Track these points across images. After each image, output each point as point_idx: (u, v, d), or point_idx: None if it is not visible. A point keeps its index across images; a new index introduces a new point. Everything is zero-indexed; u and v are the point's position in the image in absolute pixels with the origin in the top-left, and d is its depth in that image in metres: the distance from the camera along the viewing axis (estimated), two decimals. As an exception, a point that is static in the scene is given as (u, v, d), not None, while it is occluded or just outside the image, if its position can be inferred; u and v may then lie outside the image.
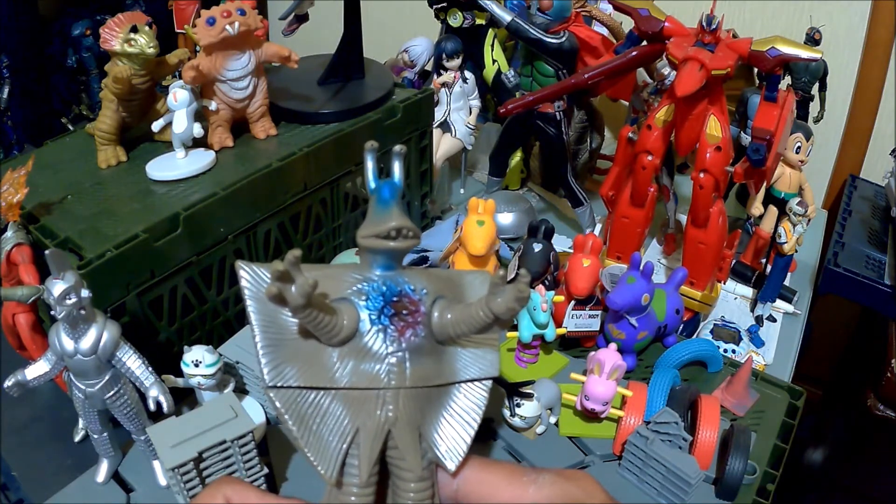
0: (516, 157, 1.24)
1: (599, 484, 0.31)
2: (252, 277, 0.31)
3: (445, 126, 1.16)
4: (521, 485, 0.30)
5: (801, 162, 1.03)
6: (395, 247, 0.31)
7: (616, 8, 0.93)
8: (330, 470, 0.29)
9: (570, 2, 1.07)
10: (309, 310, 0.28)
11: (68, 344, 0.59)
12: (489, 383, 0.34)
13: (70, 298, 0.56)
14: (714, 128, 0.85)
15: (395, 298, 0.31)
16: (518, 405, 0.70)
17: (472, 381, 0.33)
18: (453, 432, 0.31)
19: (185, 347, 0.69)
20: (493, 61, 1.18)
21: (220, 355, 0.70)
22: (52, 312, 0.57)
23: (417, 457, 0.30)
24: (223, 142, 0.85)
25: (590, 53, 1.09)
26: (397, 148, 0.34)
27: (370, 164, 0.33)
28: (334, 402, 0.30)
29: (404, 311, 0.31)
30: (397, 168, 0.34)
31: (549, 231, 0.84)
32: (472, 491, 0.31)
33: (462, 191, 1.27)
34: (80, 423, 0.74)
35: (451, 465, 0.31)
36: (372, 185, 0.33)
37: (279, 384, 0.30)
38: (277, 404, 0.29)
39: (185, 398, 0.75)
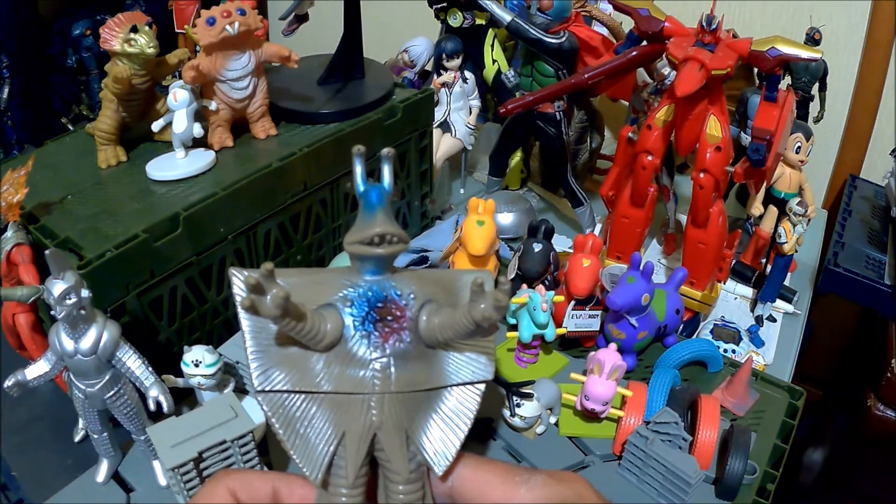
0: (516, 157, 1.24)
1: (592, 486, 0.31)
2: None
3: (445, 126, 1.16)
4: (513, 484, 0.30)
5: (801, 162, 1.03)
6: (378, 253, 0.31)
7: (616, 8, 0.93)
8: (315, 472, 0.29)
9: (570, 2, 1.07)
10: (287, 319, 0.28)
11: (68, 344, 0.59)
12: (482, 387, 0.33)
13: (70, 298, 0.56)
14: (714, 128, 0.85)
15: (379, 304, 0.31)
16: (518, 405, 0.70)
17: (463, 384, 0.33)
18: (442, 435, 0.31)
19: (185, 347, 0.69)
20: (493, 61, 1.18)
21: (220, 355, 0.70)
22: (52, 312, 0.57)
23: (404, 460, 0.30)
24: (223, 142, 0.85)
25: (590, 53, 1.09)
26: (385, 151, 0.33)
27: (358, 168, 0.33)
28: (321, 407, 0.30)
29: (389, 317, 0.31)
30: (387, 172, 0.33)
31: (549, 231, 0.84)
32: (465, 489, 0.31)
33: (462, 191, 1.27)
34: (80, 423, 0.74)
35: (439, 469, 0.31)
36: (360, 188, 0.33)
37: (267, 388, 0.30)
38: (265, 408, 0.30)
39: (185, 398, 0.75)
